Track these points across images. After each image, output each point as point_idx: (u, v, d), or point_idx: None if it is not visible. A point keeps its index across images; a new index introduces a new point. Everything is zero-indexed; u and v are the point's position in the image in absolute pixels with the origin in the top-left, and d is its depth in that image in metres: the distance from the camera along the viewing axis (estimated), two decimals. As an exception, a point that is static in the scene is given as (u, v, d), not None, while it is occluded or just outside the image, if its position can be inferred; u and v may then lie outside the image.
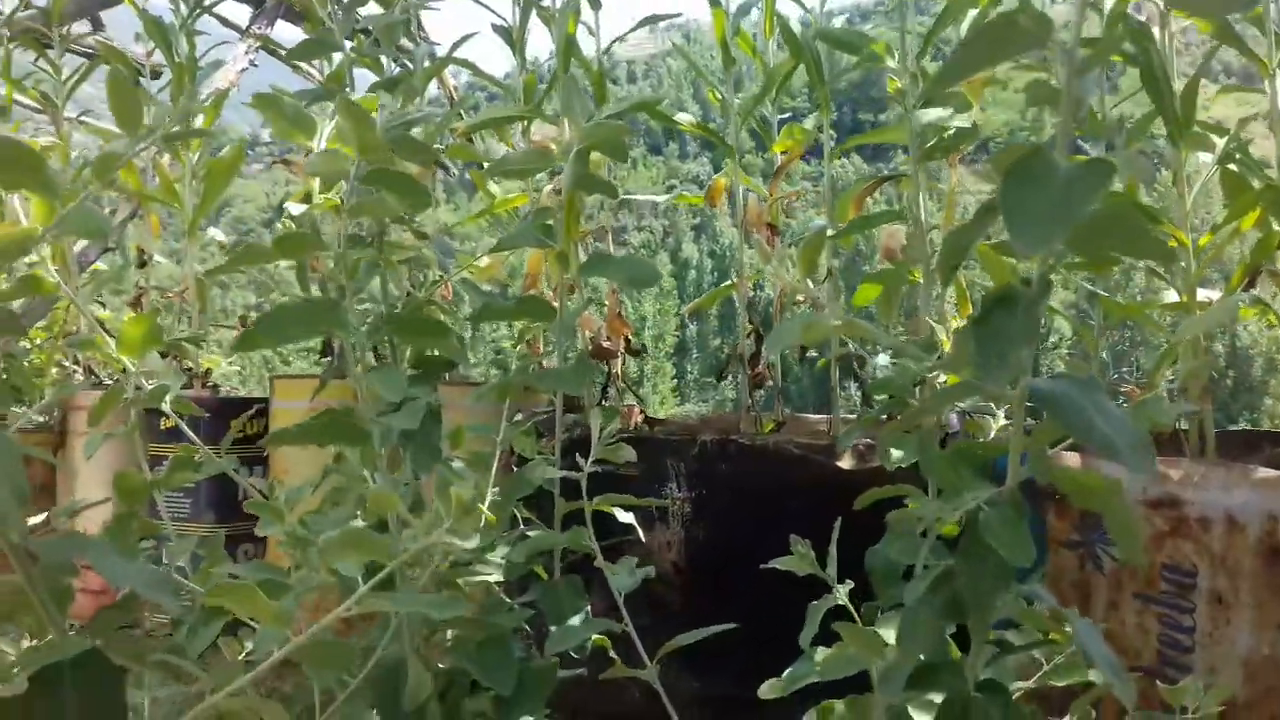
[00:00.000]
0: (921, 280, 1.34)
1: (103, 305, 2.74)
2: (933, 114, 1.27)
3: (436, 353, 1.36)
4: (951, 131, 1.31)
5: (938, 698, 0.75)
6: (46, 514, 1.19)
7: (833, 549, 1.02)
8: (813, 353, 1.90)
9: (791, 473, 1.59)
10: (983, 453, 0.79)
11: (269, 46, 4.39)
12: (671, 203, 2.17)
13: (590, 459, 1.15)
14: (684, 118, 1.86)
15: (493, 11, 2.04)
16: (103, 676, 0.68)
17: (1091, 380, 0.67)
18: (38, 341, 3.20)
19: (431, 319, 0.94)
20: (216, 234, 2.63)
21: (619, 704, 1.72)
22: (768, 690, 1.01)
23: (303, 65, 4.26)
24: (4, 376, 3.14)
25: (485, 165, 1.54)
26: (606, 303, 1.94)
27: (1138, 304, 1.44)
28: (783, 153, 1.92)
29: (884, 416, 1.63)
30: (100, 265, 3.38)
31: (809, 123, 1.91)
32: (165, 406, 1.23)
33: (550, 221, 1.10)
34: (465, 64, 1.98)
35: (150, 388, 1.20)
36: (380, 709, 0.87)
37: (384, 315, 0.91)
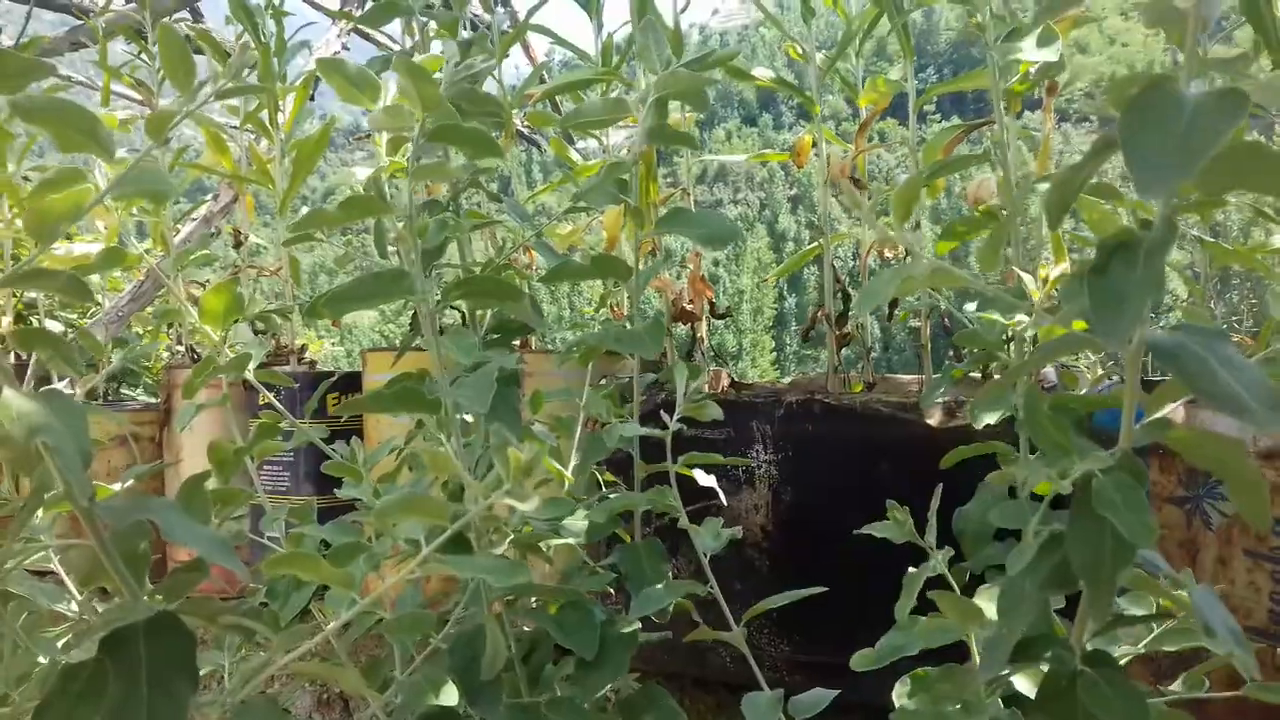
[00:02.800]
0: (1008, 227, 1.28)
1: (202, 286, 2.81)
2: (1015, 50, 1.20)
3: (513, 319, 1.36)
4: (1037, 67, 1.24)
5: (1041, 669, 0.71)
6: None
7: (932, 515, 0.98)
8: (905, 310, 1.85)
9: (878, 432, 1.54)
10: (1081, 407, 0.74)
11: (361, 30, 4.45)
12: (767, 175, 2.13)
13: (675, 416, 1.13)
14: (762, 72, 1.81)
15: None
16: (175, 639, 0.69)
17: (1216, 330, 0.62)
18: (148, 326, 3.32)
19: (502, 280, 0.92)
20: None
21: (708, 668, 1.71)
22: (859, 662, 0.97)
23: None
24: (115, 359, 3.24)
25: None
26: (689, 265, 1.91)
27: (1247, 248, 1.36)
28: (867, 106, 1.86)
29: (972, 373, 1.57)
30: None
31: (894, 74, 1.84)
32: (250, 377, 1.24)
33: (625, 176, 1.08)
34: (543, 30, 1.96)
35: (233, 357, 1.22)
36: (458, 673, 0.87)
37: (454, 280, 0.89)
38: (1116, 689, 0.68)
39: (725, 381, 2.06)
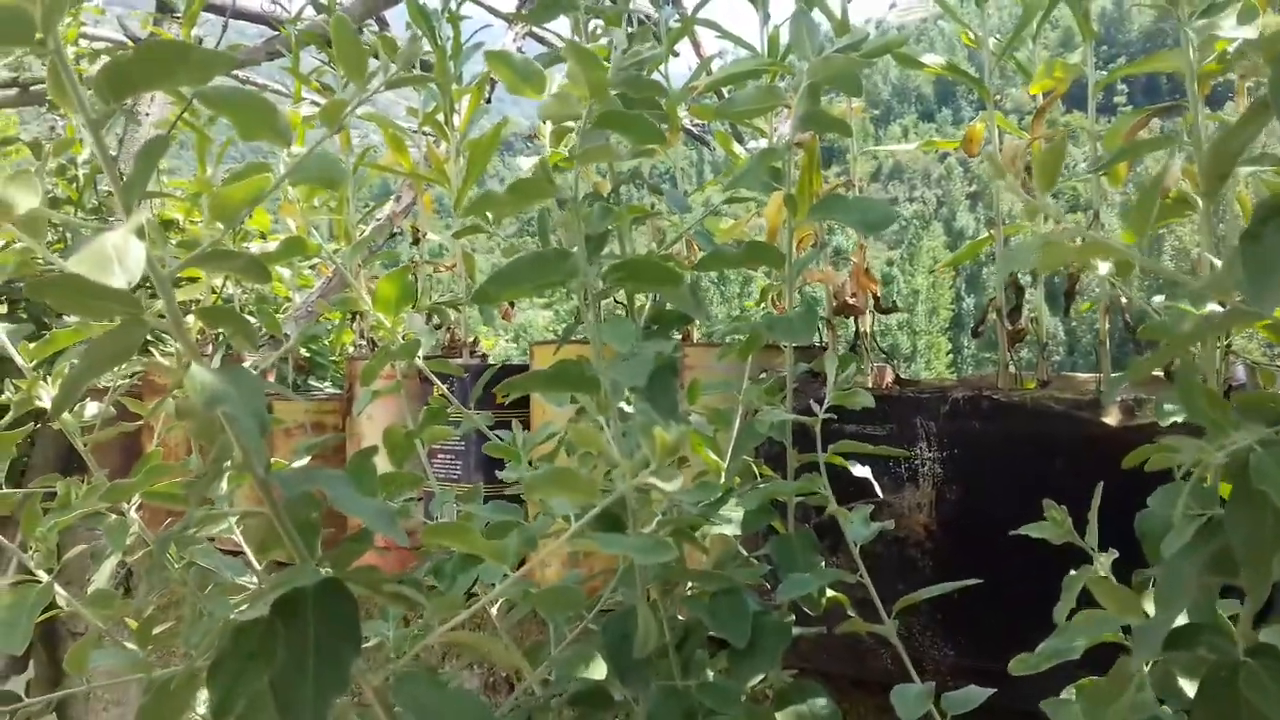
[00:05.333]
0: (1199, 213, 1.20)
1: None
2: (1213, 26, 1.13)
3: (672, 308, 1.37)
4: (1235, 45, 1.16)
5: (1203, 661, 0.67)
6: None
7: (1093, 514, 0.93)
8: (1088, 302, 1.77)
9: (1050, 430, 1.48)
10: (1273, 405, 0.69)
11: (536, 34, 4.56)
12: (945, 172, 2.08)
13: (825, 405, 1.11)
14: (931, 59, 1.77)
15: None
16: (341, 605, 0.72)
17: None
18: (336, 321, 3.49)
19: (661, 264, 0.93)
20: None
21: (866, 669, 1.68)
22: (1017, 666, 0.94)
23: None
24: (308, 352, 3.41)
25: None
26: (854, 258, 1.88)
27: None
28: (1044, 94, 1.78)
29: (1157, 370, 1.49)
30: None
31: (1073, 58, 1.76)
32: (420, 363, 1.29)
33: (778, 163, 1.07)
34: (708, 23, 1.96)
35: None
36: (609, 651, 0.88)
37: (615, 264, 0.90)
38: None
39: (890, 377, 2.02)
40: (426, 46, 2.54)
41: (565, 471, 0.62)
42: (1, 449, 0.96)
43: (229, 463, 0.69)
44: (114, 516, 1.12)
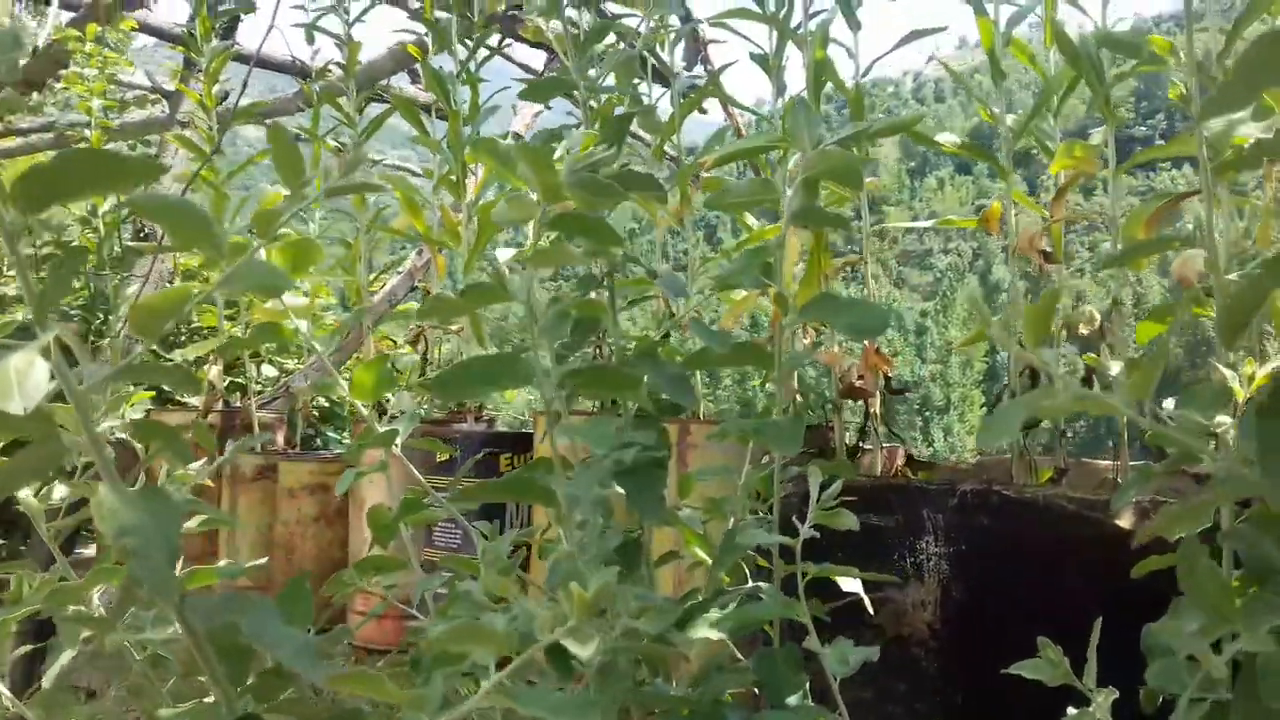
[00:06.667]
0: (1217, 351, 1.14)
1: (394, 341, 2.92)
2: (1224, 122, 1.08)
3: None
4: (1253, 141, 1.11)
5: None
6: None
7: (1091, 651, 0.87)
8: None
9: (1062, 530, 1.41)
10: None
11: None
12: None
13: (807, 524, 1.06)
14: (946, 137, 1.72)
15: (749, 40, 1.98)
16: (261, 743, 0.67)
17: None
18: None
19: (618, 372, 0.88)
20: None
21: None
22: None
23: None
24: (327, 402, 3.37)
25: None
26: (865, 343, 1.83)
27: None
28: (1065, 172, 1.73)
29: (1169, 472, 1.42)
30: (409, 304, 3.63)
31: (1095, 138, 1.72)
32: (397, 451, 1.25)
33: (769, 260, 1.02)
34: (719, 94, 1.93)
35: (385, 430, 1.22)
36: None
37: (570, 370, 0.86)
38: None
39: (901, 460, 1.96)
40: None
41: (478, 625, 0.57)
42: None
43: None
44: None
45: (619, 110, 1.50)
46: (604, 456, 0.99)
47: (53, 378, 0.61)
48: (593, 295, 1.15)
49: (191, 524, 0.97)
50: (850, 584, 1.08)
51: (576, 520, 0.85)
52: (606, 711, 0.95)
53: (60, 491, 1.20)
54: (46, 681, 1.02)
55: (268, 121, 4.13)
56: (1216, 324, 0.56)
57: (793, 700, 1.01)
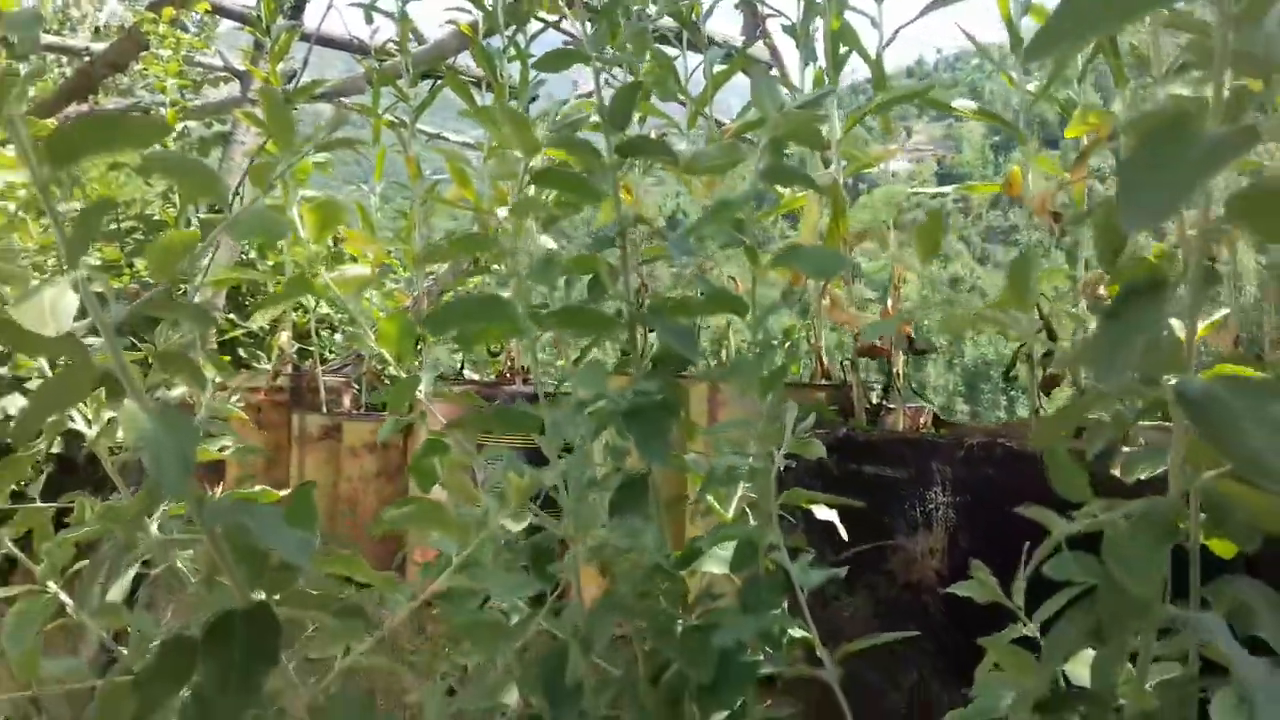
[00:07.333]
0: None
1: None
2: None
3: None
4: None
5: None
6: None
7: (1020, 572, 0.94)
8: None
9: (1058, 480, 1.46)
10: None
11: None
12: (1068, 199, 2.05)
13: (781, 451, 1.13)
14: (963, 104, 1.77)
15: (781, 14, 2.04)
16: (266, 626, 0.78)
17: (1259, 384, 0.57)
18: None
19: (592, 312, 0.97)
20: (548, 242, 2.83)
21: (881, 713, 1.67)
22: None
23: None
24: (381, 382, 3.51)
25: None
26: (889, 298, 1.88)
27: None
28: (1083, 137, 1.77)
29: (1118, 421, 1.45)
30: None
31: (1116, 105, 1.75)
32: (421, 395, 1.35)
33: (740, 215, 1.10)
34: (748, 64, 1.99)
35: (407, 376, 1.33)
36: (543, 684, 0.91)
37: (550, 310, 0.95)
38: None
39: (927, 419, 2.01)
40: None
41: (432, 506, 0.66)
42: (15, 469, 1.05)
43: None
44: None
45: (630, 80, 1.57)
46: (595, 399, 1.08)
47: (84, 315, 0.72)
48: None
49: (223, 445, 1.09)
50: (824, 513, 1.16)
51: (559, 445, 0.94)
52: (601, 627, 1.04)
53: (121, 431, 1.32)
54: (111, 595, 1.15)
55: (338, 100, 4.28)
56: (1096, 250, 0.62)
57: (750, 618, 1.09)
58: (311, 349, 3.19)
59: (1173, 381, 0.57)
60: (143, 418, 0.72)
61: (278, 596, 0.81)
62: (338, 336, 3.98)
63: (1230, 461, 0.52)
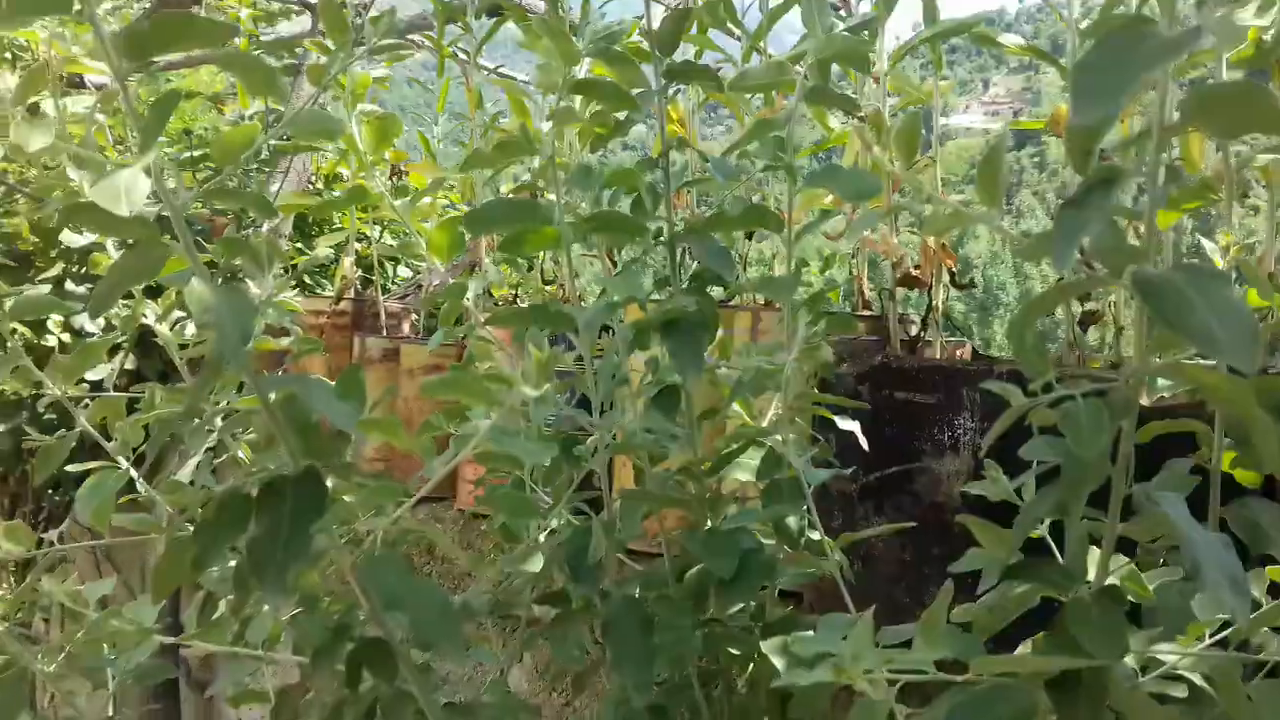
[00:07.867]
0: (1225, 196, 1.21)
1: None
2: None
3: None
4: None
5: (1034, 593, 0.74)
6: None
7: (1030, 477, 0.99)
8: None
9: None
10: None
11: None
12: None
13: (790, 355, 1.18)
14: (1009, 38, 1.78)
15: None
16: (315, 487, 0.86)
17: (1216, 272, 0.62)
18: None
19: (626, 217, 1.03)
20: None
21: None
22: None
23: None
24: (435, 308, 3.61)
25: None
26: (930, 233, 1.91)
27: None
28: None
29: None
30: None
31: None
32: (469, 303, 1.42)
33: (781, 133, 1.14)
34: None
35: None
36: (569, 559, 0.99)
37: (585, 216, 1.00)
38: (1102, 616, 0.69)
39: (965, 353, 2.04)
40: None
41: (462, 375, 0.73)
42: (91, 356, 1.14)
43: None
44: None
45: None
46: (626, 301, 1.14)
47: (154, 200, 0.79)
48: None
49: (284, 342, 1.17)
50: (846, 424, 1.21)
51: (593, 343, 1.00)
52: (628, 512, 1.12)
53: (191, 329, 1.42)
54: (179, 475, 1.25)
55: (409, 37, 4.34)
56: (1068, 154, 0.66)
57: (790, 521, 1.15)
58: (373, 278, 3.30)
59: (1132, 268, 0.61)
60: (206, 291, 0.80)
61: (324, 463, 0.89)
62: (402, 270, 4.09)
63: (1184, 336, 0.56)
